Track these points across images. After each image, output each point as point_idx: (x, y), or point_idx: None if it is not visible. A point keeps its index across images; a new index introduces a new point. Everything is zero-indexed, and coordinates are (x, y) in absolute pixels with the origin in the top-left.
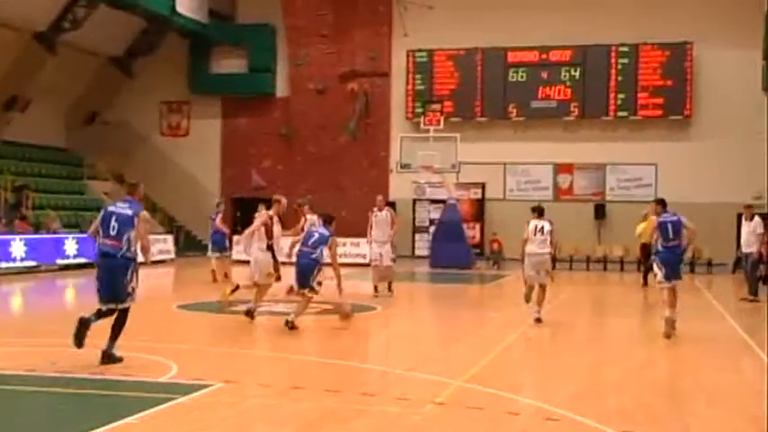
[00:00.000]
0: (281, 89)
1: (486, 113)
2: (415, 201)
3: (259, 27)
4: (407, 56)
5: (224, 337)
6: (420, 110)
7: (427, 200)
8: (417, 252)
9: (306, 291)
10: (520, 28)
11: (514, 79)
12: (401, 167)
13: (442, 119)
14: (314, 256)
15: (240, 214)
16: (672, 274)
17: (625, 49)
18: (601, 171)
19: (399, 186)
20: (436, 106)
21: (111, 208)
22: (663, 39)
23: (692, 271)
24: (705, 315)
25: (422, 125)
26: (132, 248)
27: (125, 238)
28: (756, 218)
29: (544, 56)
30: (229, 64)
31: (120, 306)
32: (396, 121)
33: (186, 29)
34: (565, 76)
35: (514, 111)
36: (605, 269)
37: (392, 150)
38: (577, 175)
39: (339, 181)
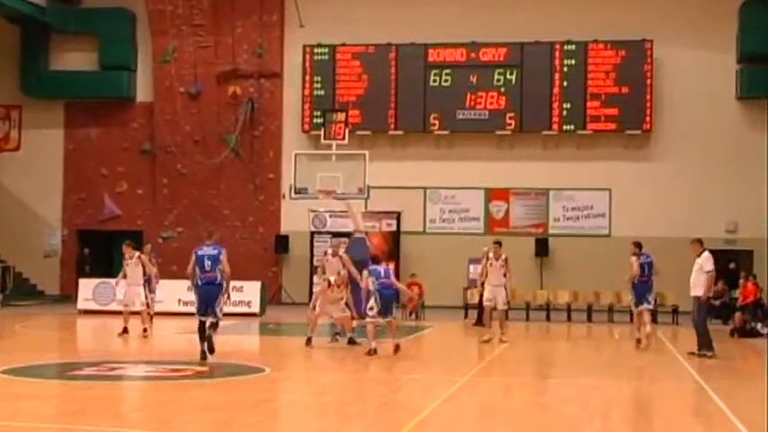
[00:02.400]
0: (143, 92)
1: (401, 125)
2: (313, 234)
3: (113, 12)
4: (304, 52)
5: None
6: (319, 120)
7: (328, 233)
8: None
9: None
10: (444, 20)
11: (437, 83)
12: (296, 192)
13: (346, 132)
14: None
15: (89, 252)
16: (642, 301)
17: (572, 47)
18: (543, 198)
19: (293, 216)
20: (340, 116)
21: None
22: (617, 36)
23: (655, 320)
24: (670, 374)
25: (322, 139)
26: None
27: None
28: (705, 253)
29: (473, 54)
30: (74, 59)
31: None
32: (289, 135)
33: (16, 12)
34: (498, 80)
35: (437, 122)
36: (548, 318)
37: (284, 171)
38: (514, 202)
39: (216, 210)
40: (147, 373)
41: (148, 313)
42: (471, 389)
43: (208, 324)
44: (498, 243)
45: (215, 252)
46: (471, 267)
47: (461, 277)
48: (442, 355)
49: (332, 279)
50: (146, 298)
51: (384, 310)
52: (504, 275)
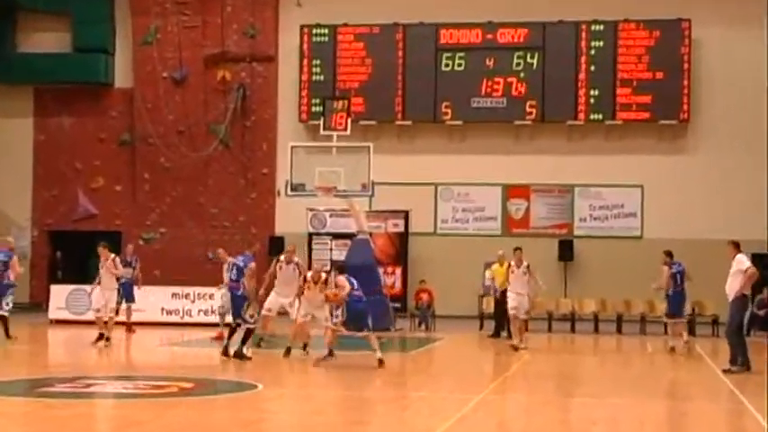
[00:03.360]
0: (122, 77)
1: (409, 115)
2: (311, 236)
3: None
4: (301, 34)
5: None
6: (318, 109)
7: (328, 234)
8: None
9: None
10: None
11: (449, 68)
12: (292, 189)
13: (348, 122)
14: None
15: (61, 255)
16: (677, 312)
17: (599, 27)
18: (567, 195)
19: (289, 216)
20: (341, 104)
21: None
22: (650, 14)
23: (692, 332)
24: (707, 392)
25: (321, 130)
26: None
27: None
28: (738, 255)
29: (489, 36)
30: (45, 40)
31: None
32: (285, 125)
33: None
34: (518, 64)
35: (449, 111)
36: (573, 330)
37: (279, 165)
38: (535, 200)
39: (203, 208)
40: (125, 390)
41: (118, 322)
42: (487, 408)
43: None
44: (519, 249)
45: (241, 263)
46: (487, 273)
47: (476, 283)
48: (455, 370)
49: (308, 275)
50: (116, 304)
51: (356, 324)
52: (528, 283)
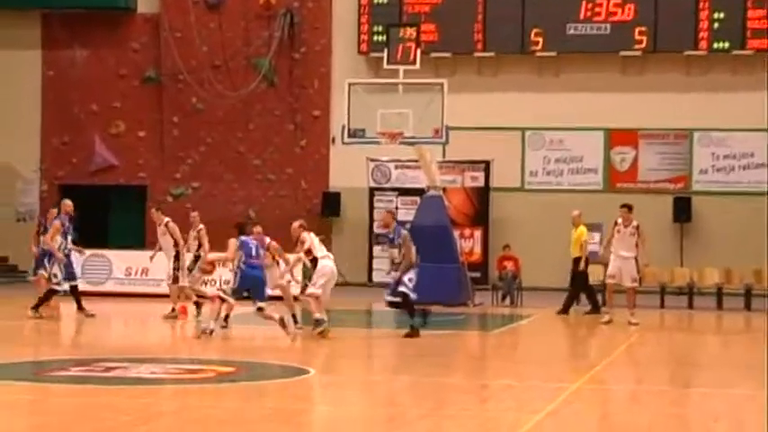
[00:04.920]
0: (146, 1)
1: (491, 45)
2: (372, 191)
3: None
4: None
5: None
6: (382, 38)
7: (392, 189)
8: (376, 276)
9: None
10: None
11: None
12: (349, 136)
13: (418, 53)
14: None
15: (76, 213)
16: None
17: None
18: (684, 142)
19: (346, 167)
20: (409, 32)
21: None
22: None
23: None
24: None
25: (385, 64)
26: None
27: None
28: None
29: None
30: None
31: None
32: (340, 58)
33: None
34: None
35: (540, 41)
36: (690, 305)
37: (334, 107)
38: (645, 148)
39: (243, 158)
40: (152, 375)
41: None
42: (584, 399)
43: None
44: (628, 207)
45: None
46: (595, 236)
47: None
48: (545, 353)
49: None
50: (173, 271)
51: (252, 293)
52: (636, 245)
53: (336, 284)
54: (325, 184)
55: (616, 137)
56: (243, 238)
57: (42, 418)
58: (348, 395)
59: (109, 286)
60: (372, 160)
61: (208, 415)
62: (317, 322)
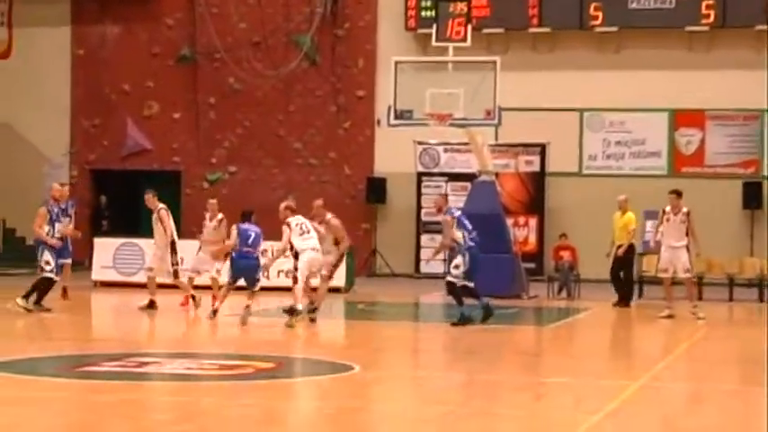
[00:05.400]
0: None
1: (547, 20)
2: (420, 176)
3: None
4: None
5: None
6: (430, 14)
7: (441, 174)
8: (424, 267)
9: None
10: None
11: None
12: (396, 117)
13: (469, 30)
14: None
15: (107, 200)
16: None
17: None
18: (755, 123)
19: (392, 151)
20: (459, 7)
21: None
22: None
23: None
24: None
25: (433, 41)
26: None
27: None
28: None
29: None
30: None
31: None
32: (387, 35)
33: None
34: None
35: (599, 15)
36: (761, 298)
37: (379, 86)
38: (712, 130)
39: (283, 141)
40: (187, 371)
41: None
42: (646, 398)
43: None
44: (676, 192)
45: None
46: (649, 224)
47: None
48: (604, 349)
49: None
50: (172, 265)
51: (246, 281)
52: (687, 234)
53: (382, 276)
54: (369, 168)
55: (681, 118)
56: (243, 225)
57: (76, 415)
58: (395, 393)
59: (141, 277)
60: (420, 143)
61: (247, 414)
62: (292, 311)
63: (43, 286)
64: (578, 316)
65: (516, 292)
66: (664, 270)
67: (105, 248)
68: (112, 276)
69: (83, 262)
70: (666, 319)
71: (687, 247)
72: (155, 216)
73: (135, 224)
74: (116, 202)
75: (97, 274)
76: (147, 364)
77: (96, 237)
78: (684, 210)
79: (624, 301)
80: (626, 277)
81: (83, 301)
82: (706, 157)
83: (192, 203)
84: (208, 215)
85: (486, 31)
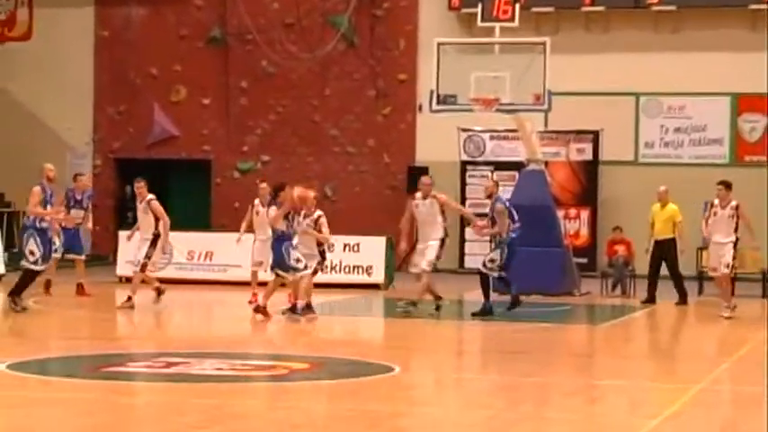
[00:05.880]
0: None
1: None
2: (464, 165)
3: None
4: None
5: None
6: None
7: (487, 163)
8: (469, 262)
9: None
10: None
11: None
12: (438, 103)
13: (516, 9)
14: None
15: (131, 189)
16: None
17: None
18: None
19: (434, 138)
20: None
21: None
22: None
23: None
24: None
25: (479, 21)
26: None
27: None
28: None
29: None
30: None
31: None
32: (429, 14)
33: None
34: None
35: None
36: None
37: (421, 70)
38: None
39: (319, 128)
40: (218, 372)
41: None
42: (708, 402)
43: None
44: (725, 184)
45: None
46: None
47: (694, 231)
48: (662, 349)
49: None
50: (145, 257)
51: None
52: (736, 229)
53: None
54: (411, 157)
55: (745, 102)
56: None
57: (101, 417)
58: (437, 396)
59: (169, 272)
60: (464, 130)
61: (282, 417)
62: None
63: (25, 278)
64: (634, 314)
65: (567, 288)
66: (713, 269)
67: (130, 242)
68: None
69: (107, 257)
70: (729, 319)
71: (735, 244)
72: (143, 205)
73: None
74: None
75: (122, 269)
76: (174, 364)
77: (121, 230)
78: (733, 203)
79: (682, 299)
80: (676, 273)
81: (107, 298)
82: None
83: (222, 194)
84: (258, 201)
85: (535, 9)
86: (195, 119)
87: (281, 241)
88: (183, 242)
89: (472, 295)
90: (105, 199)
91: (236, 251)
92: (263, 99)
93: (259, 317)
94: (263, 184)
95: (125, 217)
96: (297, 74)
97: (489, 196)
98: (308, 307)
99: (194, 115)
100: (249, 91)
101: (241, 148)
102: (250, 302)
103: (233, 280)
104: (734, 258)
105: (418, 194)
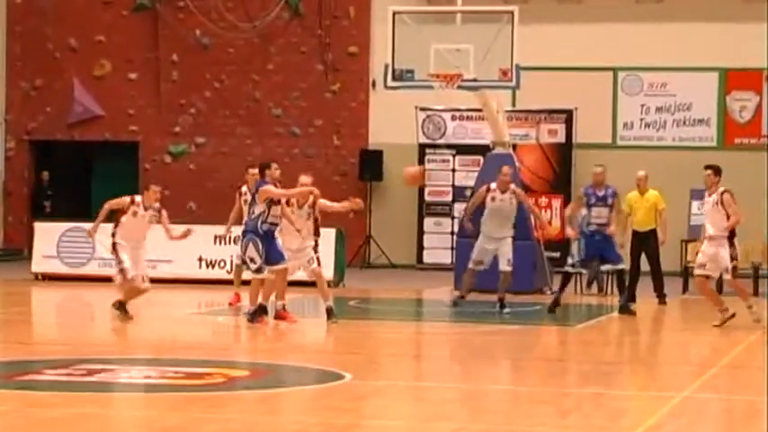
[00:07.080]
0: None
1: None
2: (423, 148)
3: None
4: None
5: None
6: None
7: (448, 146)
8: (428, 257)
9: None
10: None
11: None
12: (394, 79)
13: None
14: None
15: (51, 176)
16: None
17: None
18: None
19: (389, 118)
20: None
21: None
22: None
23: None
24: None
25: None
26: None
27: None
28: None
29: None
30: None
31: None
32: None
33: None
34: None
35: None
36: None
37: (375, 41)
38: None
39: (261, 106)
40: (146, 380)
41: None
42: (694, 411)
43: None
44: (713, 168)
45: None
46: (695, 205)
47: (678, 222)
48: (642, 354)
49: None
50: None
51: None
52: (728, 218)
53: (380, 267)
54: (363, 139)
55: (734, 79)
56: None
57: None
58: (395, 406)
59: (91, 268)
60: (423, 110)
61: (219, 431)
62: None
63: None
64: (612, 314)
65: (538, 286)
66: (700, 265)
67: (48, 235)
68: (57, 268)
69: (21, 251)
70: (720, 326)
71: (730, 239)
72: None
73: (84, 206)
74: (61, 178)
75: (38, 265)
76: (97, 371)
77: (37, 221)
78: (720, 190)
79: (660, 298)
80: (656, 269)
81: (21, 298)
82: (764, 125)
83: (151, 180)
84: (246, 188)
85: None
86: (121, 96)
87: (249, 234)
88: (107, 235)
89: (433, 293)
90: (19, 186)
91: (169, 246)
92: (198, 74)
93: (282, 324)
94: (254, 170)
95: (41, 206)
96: (235, 46)
97: (599, 184)
98: (262, 309)
99: (120, 92)
100: (181, 65)
101: (172, 129)
102: (230, 304)
103: (162, 277)
104: (734, 258)
105: (493, 185)
